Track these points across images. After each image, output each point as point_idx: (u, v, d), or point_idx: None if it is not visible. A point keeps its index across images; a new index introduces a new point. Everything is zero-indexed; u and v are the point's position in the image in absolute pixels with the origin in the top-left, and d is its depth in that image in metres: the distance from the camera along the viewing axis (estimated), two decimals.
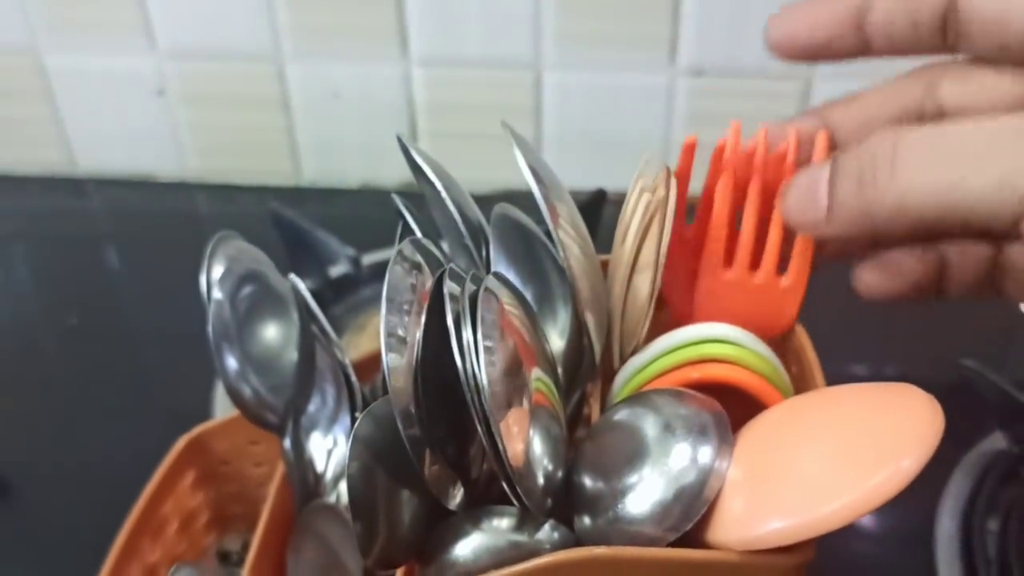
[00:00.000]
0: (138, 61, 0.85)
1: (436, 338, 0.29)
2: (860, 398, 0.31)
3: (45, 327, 0.74)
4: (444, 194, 0.36)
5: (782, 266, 0.38)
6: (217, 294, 0.36)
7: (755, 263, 0.38)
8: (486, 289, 0.29)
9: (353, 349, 0.62)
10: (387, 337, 0.28)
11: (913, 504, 0.53)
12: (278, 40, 0.83)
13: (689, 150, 0.38)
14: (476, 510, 0.31)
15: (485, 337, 0.28)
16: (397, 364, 0.28)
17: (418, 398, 0.29)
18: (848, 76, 0.68)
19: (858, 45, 0.31)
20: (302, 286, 0.39)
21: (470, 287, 0.29)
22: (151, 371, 0.68)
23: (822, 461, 0.29)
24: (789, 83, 0.78)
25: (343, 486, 0.40)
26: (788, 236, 0.37)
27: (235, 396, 0.38)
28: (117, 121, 0.89)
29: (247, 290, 0.37)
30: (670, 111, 0.82)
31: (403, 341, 0.29)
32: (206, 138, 0.89)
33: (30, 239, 0.87)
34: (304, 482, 0.41)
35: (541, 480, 0.29)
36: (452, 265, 0.30)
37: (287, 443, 0.40)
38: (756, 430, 0.31)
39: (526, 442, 0.28)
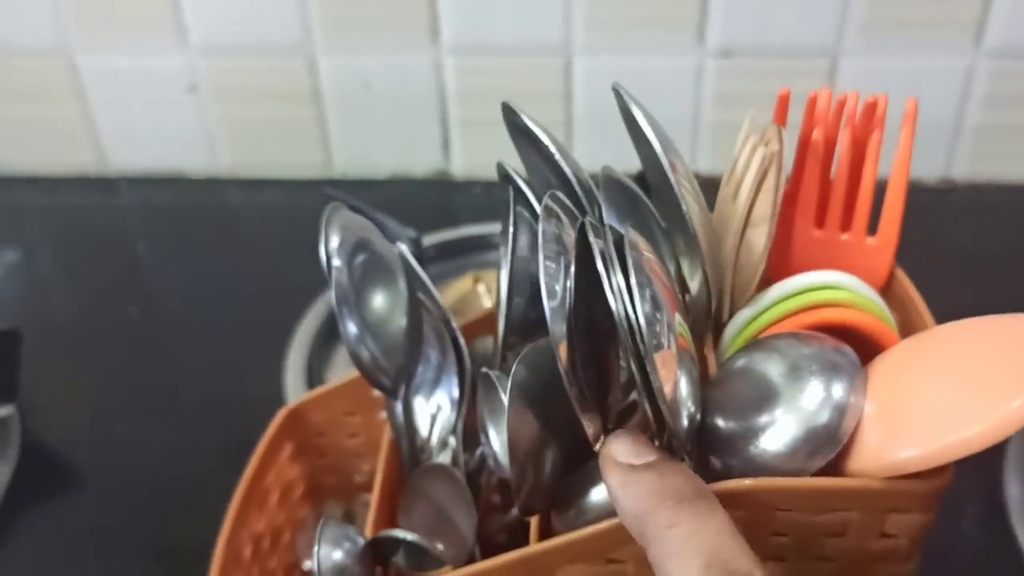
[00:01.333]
0: (170, 59, 0.86)
1: (586, 284, 0.30)
2: (979, 330, 0.32)
3: (100, 321, 0.75)
4: (558, 155, 0.37)
5: (872, 225, 0.40)
6: (336, 261, 0.37)
7: (847, 221, 0.40)
8: (629, 239, 0.30)
9: None
10: (547, 281, 0.30)
11: (977, 474, 0.55)
12: (309, 33, 0.84)
13: (784, 101, 0.40)
14: None
15: (636, 282, 0.29)
16: (555, 308, 0.29)
17: (571, 342, 0.30)
18: (873, 52, 0.70)
19: None
20: (408, 254, 0.40)
21: (612, 236, 0.30)
22: (208, 361, 0.69)
23: (954, 390, 0.30)
24: (816, 60, 0.80)
25: (451, 445, 0.42)
26: (879, 194, 0.39)
27: (355, 359, 0.39)
28: (148, 119, 0.90)
29: (360, 258, 0.39)
30: (699, 92, 0.83)
31: (554, 289, 0.30)
32: (237, 133, 0.90)
33: (65, 238, 0.88)
34: (412, 445, 0.42)
35: (685, 421, 0.31)
36: (588, 218, 0.31)
37: (398, 406, 0.41)
38: (880, 367, 0.33)
39: (674, 383, 0.30)
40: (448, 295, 0.66)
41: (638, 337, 0.29)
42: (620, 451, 0.30)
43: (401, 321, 0.40)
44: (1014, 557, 0.50)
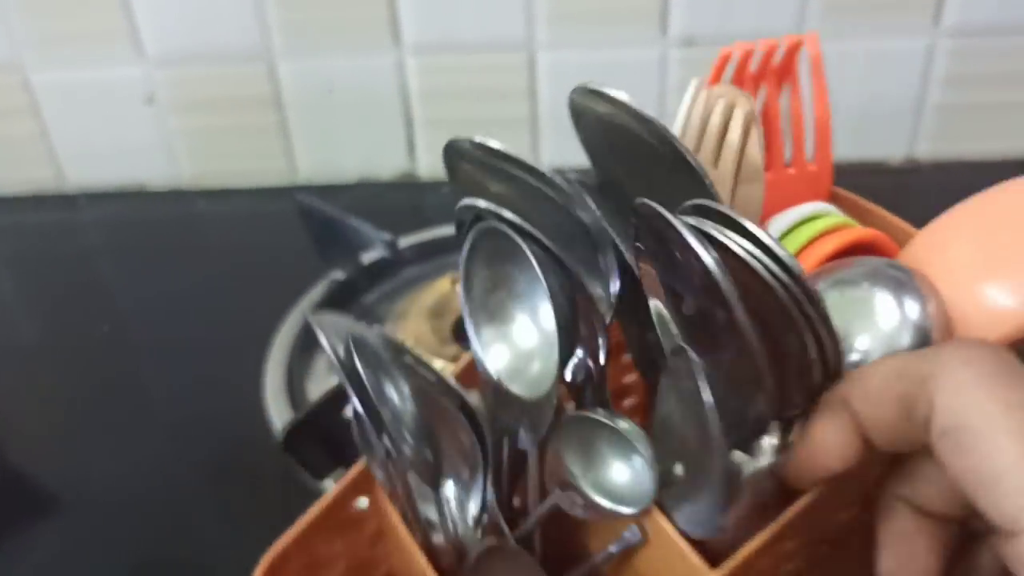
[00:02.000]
0: (126, 71, 0.84)
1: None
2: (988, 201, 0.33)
3: (68, 341, 0.73)
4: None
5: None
6: (358, 365, 0.35)
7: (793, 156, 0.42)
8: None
9: (402, 335, 0.63)
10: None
11: None
12: (268, 38, 0.83)
13: (724, 60, 0.40)
14: None
15: None
16: None
17: None
18: (835, 36, 0.70)
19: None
20: (388, 335, 0.37)
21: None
22: (184, 377, 0.68)
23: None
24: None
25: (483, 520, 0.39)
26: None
27: (393, 459, 0.37)
28: (106, 133, 0.88)
29: (366, 356, 0.37)
30: (663, 83, 0.83)
31: None
32: (198, 143, 0.89)
33: (26, 259, 0.86)
34: (448, 534, 0.39)
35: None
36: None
37: (439, 494, 0.38)
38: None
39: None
40: (427, 297, 0.65)
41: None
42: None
43: (410, 407, 0.37)
44: None
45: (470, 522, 0.37)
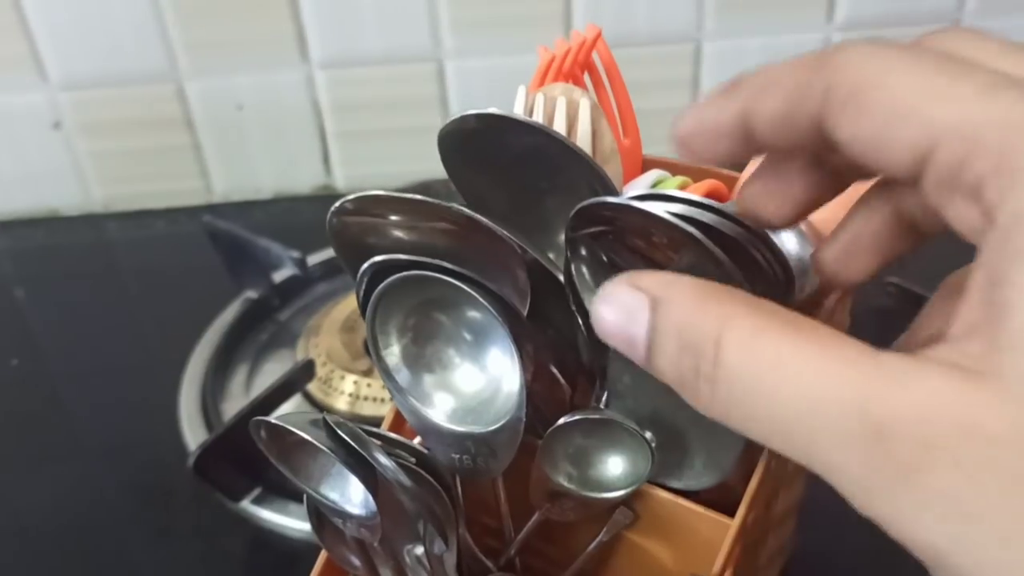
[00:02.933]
0: (30, 96, 0.83)
1: None
2: None
3: None
4: None
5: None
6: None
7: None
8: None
9: (314, 350, 0.63)
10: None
11: None
12: (174, 58, 0.82)
13: (549, 63, 0.43)
14: None
15: None
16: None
17: None
18: (732, 34, 0.72)
19: (752, 151, 0.26)
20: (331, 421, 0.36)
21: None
22: (98, 405, 0.67)
23: None
24: (680, 46, 0.82)
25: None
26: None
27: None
28: (13, 159, 0.87)
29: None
30: None
31: None
32: (109, 166, 0.88)
33: None
34: None
35: None
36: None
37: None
38: None
39: None
40: (338, 313, 0.65)
41: None
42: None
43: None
44: None
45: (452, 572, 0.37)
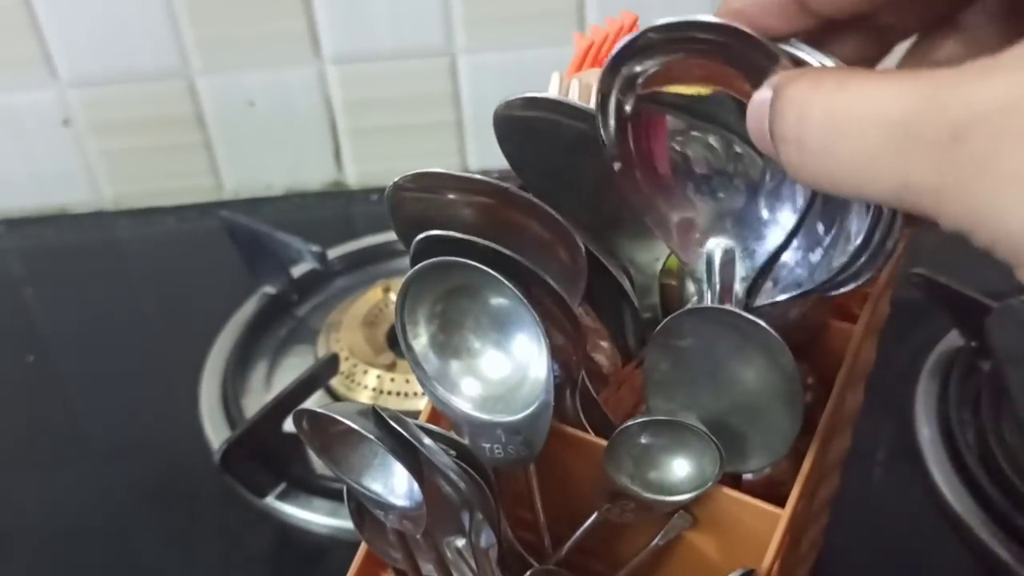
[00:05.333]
0: (40, 94, 0.83)
1: None
2: None
3: None
4: None
5: None
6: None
7: None
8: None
9: (336, 345, 0.62)
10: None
11: (887, 419, 0.57)
12: (185, 56, 0.82)
13: (587, 48, 0.42)
14: None
15: None
16: None
17: None
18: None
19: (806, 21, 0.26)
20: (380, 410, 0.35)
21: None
22: (116, 404, 0.66)
23: None
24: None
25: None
26: None
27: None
28: (23, 158, 0.86)
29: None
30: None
31: None
32: (119, 164, 0.87)
33: None
34: None
35: None
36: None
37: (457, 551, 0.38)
38: None
39: None
40: (359, 307, 0.65)
41: None
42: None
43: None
44: (932, 499, 0.52)
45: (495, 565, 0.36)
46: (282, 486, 0.54)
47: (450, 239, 0.34)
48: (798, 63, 0.26)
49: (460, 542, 0.37)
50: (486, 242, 0.33)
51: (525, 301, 0.33)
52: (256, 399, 0.61)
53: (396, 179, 0.34)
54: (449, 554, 0.37)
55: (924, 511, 0.51)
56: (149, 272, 0.83)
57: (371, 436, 0.31)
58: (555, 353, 0.34)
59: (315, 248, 0.66)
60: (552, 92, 0.41)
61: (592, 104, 0.39)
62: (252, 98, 0.84)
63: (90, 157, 0.86)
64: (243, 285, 0.71)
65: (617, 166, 0.31)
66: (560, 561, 0.38)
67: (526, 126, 0.35)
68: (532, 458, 0.36)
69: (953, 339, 0.59)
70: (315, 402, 0.59)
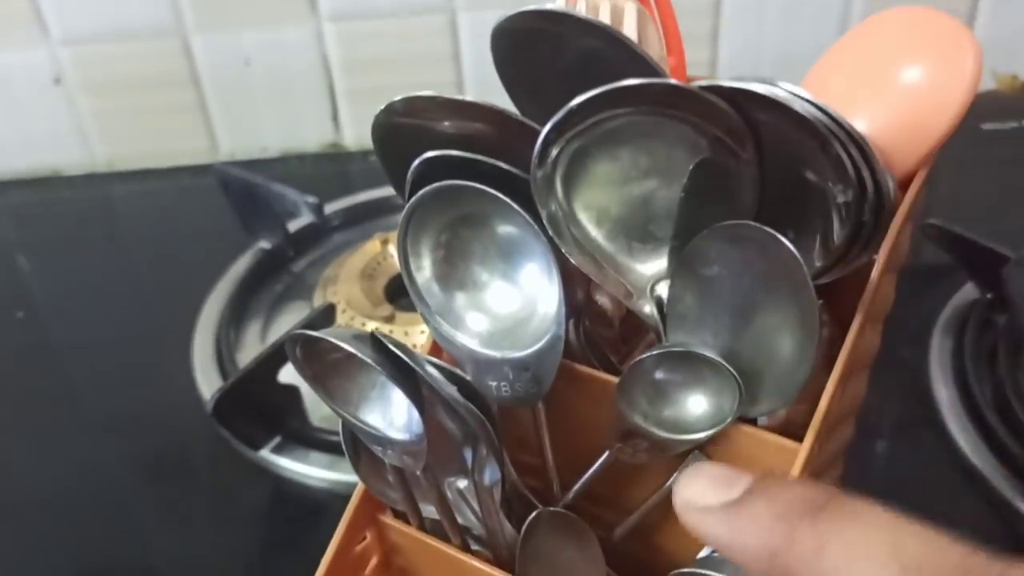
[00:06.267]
0: (31, 53, 0.81)
1: None
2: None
3: None
4: None
5: None
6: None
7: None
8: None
9: (333, 298, 0.61)
10: None
11: (904, 374, 0.55)
12: (179, 12, 0.80)
13: None
14: None
15: None
16: None
17: None
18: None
19: None
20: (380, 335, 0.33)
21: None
22: (108, 368, 0.64)
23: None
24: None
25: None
26: None
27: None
28: (13, 117, 0.84)
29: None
30: None
31: None
32: (112, 124, 0.85)
33: None
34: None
35: None
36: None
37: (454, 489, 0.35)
38: None
39: None
40: (356, 260, 0.63)
41: None
42: (700, 493, 0.23)
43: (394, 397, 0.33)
44: (949, 453, 0.50)
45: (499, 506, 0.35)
46: (277, 439, 0.53)
47: (453, 163, 0.32)
48: None
49: (462, 483, 0.35)
50: (494, 161, 0.32)
51: (537, 228, 0.31)
52: (251, 355, 0.59)
53: (387, 103, 0.33)
54: (450, 495, 0.36)
55: (941, 465, 0.50)
56: (142, 234, 0.82)
57: (370, 360, 0.29)
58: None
59: (311, 199, 0.64)
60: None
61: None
62: (248, 57, 0.83)
63: (82, 117, 0.85)
64: (237, 242, 0.70)
65: None
66: (568, 506, 0.37)
67: (526, 43, 0.34)
68: (541, 395, 0.34)
69: (968, 292, 0.57)
70: None
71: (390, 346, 0.30)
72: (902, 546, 0.19)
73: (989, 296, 0.55)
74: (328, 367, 0.32)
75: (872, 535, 0.20)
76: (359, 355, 0.29)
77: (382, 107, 0.32)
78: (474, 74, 0.83)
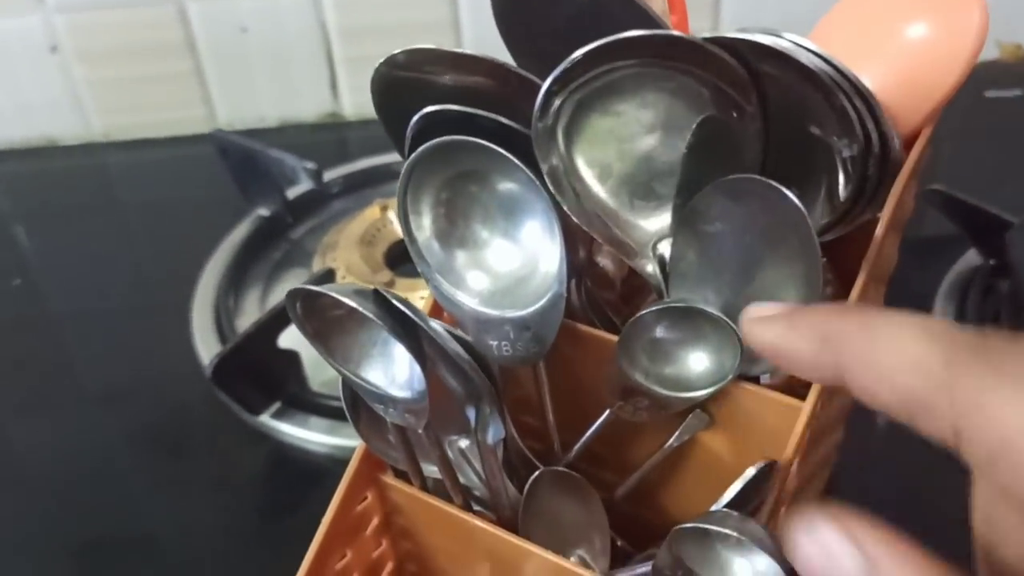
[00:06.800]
0: (25, 20, 0.80)
1: None
2: None
3: None
4: None
5: None
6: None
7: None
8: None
9: (332, 264, 0.61)
10: None
11: None
12: None
13: None
14: None
15: None
16: None
17: None
18: None
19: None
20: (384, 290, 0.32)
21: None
22: (107, 338, 0.64)
23: None
24: None
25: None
26: None
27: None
28: (8, 86, 0.84)
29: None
30: None
31: None
32: (108, 93, 0.85)
33: None
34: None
35: None
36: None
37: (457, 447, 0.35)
38: None
39: None
40: (355, 227, 0.63)
41: None
42: (763, 310, 0.26)
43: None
44: None
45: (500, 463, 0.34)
46: (277, 405, 0.53)
47: (453, 119, 0.32)
48: None
49: (464, 442, 0.35)
50: (495, 116, 0.31)
51: (538, 184, 0.31)
52: (250, 322, 0.59)
53: (387, 56, 0.32)
54: (452, 455, 0.35)
55: None
56: (139, 204, 0.81)
57: (372, 316, 0.29)
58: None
59: (310, 165, 0.63)
60: None
61: None
62: (245, 24, 0.82)
63: (78, 86, 0.84)
64: (235, 209, 0.69)
65: None
66: (569, 466, 0.37)
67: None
68: (542, 354, 0.34)
69: (970, 259, 0.57)
70: None
71: (394, 301, 0.29)
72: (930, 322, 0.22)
73: (992, 262, 0.55)
74: (329, 324, 0.32)
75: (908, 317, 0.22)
76: (361, 310, 0.29)
77: (383, 60, 0.31)
78: (473, 42, 0.82)
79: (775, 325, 0.25)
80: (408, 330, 0.30)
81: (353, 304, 0.29)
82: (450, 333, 0.33)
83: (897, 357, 0.21)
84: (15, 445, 0.57)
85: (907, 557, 0.20)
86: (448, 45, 0.85)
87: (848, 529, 0.21)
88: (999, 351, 0.20)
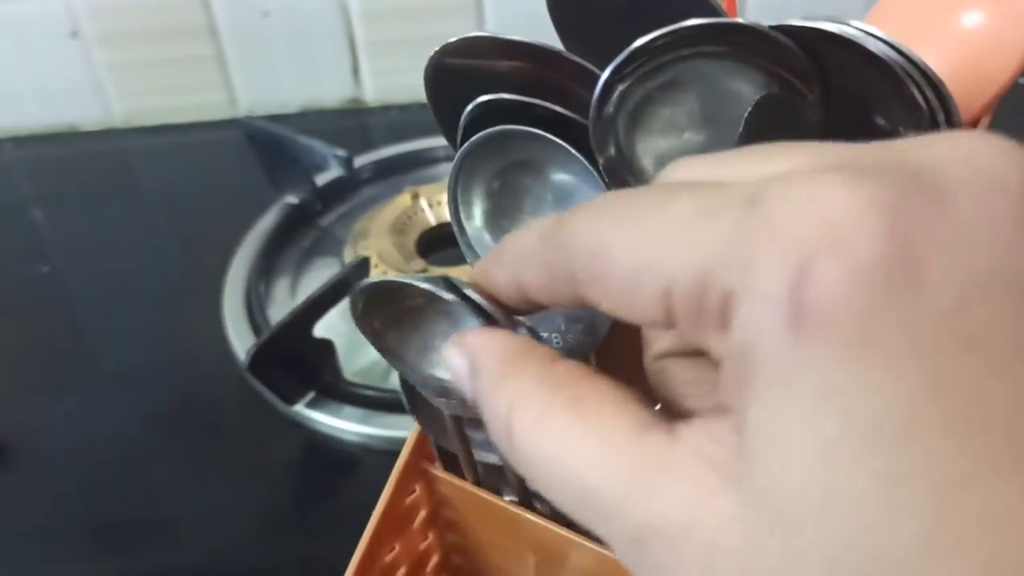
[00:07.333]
0: (46, 4, 0.79)
1: None
2: None
3: (7, 291, 0.69)
4: None
5: None
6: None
7: None
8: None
9: (364, 252, 0.60)
10: None
11: None
12: None
13: None
14: None
15: None
16: None
17: None
18: None
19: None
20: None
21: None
22: (136, 322, 0.63)
23: None
24: None
25: None
26: None
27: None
28: (29, 72, 0.83)
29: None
30: None
31: None
32: (129, 79, 0.84)
33: None
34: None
35: None
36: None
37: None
38: None
39: None
40: (387, 214, 0.62)
41: None
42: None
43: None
44: None
45: None
46: (311, 394, 0.52)
47: (505, 108, 0.32)
48: None
49: None
50: (550, 105, 0.31)
51: (596, 174, 0.30)
52: (282, 310, 0.59)
53: (441, 45, 0.32)
54: None
55: None
56: (163, 190, 0.81)
57: (450, 299, 0.28)
58: None
59: (341, 152, 0.63)
60: None
61: None
62: (266, 8, 0.81)
63: (99, 71, 0.83)
64: (264, 197, 0.69)
65: None
66: None
67: None
68: (595, 346, 0.33)
69: None
70: (343, 309, 0.56)
71: (467, 291, 0.29)
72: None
73: None
74: (391, 320, 0.31)
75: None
76: (446, 297, 0.28)
77: (436, 49, 0.31)
78: (496, 26, 0.82)
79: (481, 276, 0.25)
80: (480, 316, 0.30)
81: (430, 287, 0.28)
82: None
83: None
84: (47, 430, 0.56)
85: (494, 351, 0.23)
86: (471, 28, 0.85)
87: (462, 339, 0.24)
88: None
